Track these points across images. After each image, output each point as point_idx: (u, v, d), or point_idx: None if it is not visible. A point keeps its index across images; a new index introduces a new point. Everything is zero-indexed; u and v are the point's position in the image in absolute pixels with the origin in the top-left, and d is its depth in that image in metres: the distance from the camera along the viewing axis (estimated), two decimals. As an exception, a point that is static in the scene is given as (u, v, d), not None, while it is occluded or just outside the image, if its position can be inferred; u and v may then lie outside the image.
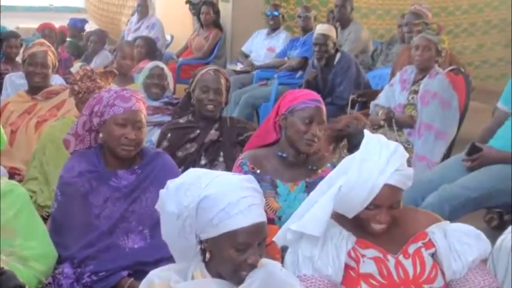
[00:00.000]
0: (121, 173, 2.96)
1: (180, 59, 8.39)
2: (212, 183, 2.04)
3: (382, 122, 4.79)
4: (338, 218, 2.40)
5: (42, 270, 2.75)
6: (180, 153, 3.78)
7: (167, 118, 4.51)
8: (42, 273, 2.76)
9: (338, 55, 6.16)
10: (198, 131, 3.83)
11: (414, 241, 2.38)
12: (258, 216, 2.03)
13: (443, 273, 2.37)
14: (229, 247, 2.01)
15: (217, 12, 8.45)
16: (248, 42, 8.08)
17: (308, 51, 6.94)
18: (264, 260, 2.08)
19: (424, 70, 4.82)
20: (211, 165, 3.70)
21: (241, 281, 2.02)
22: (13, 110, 4.62)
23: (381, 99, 5.10)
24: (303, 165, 3.05)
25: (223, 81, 3.86)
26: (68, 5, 12.56)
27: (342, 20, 7.43)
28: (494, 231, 4.47)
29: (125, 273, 2.81)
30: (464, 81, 4.92)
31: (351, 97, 5.92)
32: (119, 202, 2.92)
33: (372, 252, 2.33)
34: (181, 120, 3.95)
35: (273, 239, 2.40)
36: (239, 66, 7.74)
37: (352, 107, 5.93)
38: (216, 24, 8.43)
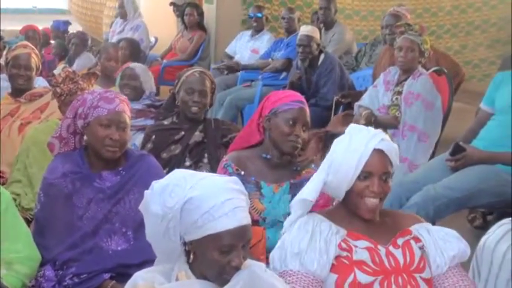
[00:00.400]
0: (105, 174, 2.95)
1: (164, 60, 8.40)
2: (197, 185, 2.04)
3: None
4: (327, 213, 2.43)
5: (27, 273, 2.75)
6: (164, 155, 3.77)
7: (150, 122, 4.51)
8: (27, 276, 2.75)
9: (322, 56, 6.17)
10: (183, 133, 3.83)
11: (402, 235, 2.42)
12: (242, 218, 2.03)
13: (430, 266, 2.40)
14: (213, 249, 2.00)
15: (201, 14, 8.45)
16: (232, 44, 8.09)
17: (292, 53, 6.95)
18: (249, 261, 2.08)
19: (407, 71, 4.84)
20: (195, 166, 3.70)
21: (225, 282, 2.02)
22: (-4, 112, 4.60)
23: (364, 100, 5.12)
24: (287, 166, 3.06)
25: (208, 83, 3.85)
26: (51, 6, 12.51)
27: (326, 21, 7.44)
28: (477, 231, 4.51)
29: (106, 275, 2.80)
30: (447, 81, 4.96)
31: (335, 98, 5.94)
32: (103, 203, 2.91)
33: (363, 243, 2.36)
34: (165, 122, 3.94)
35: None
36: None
37: (337, 108, 5.95)
38: (200, 25, 8.44)
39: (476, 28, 9.67)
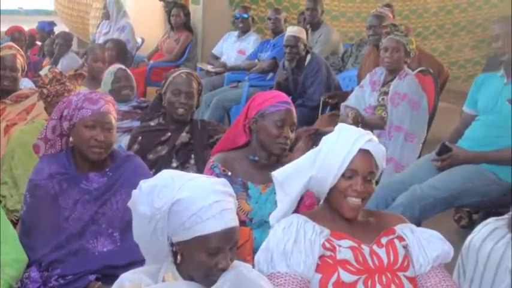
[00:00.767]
0: (92, 176, 2.95)
1: (151, 61, 8.39)
2: (185, 186, 2.04)
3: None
4: (311, 214, 2.45)
5: (14, 275, 2.74)
6: (151, 156, 3.77)
7: (137, 123, 4.49)
8: (14, 279, 2.74)
9: (308, 57, 6.18)
10: (169, 134, 3.83)
11: (386, 234, 2.43)
12: (230, 221, 2.03)
13: (413, 266, 2.41)
14: (200, 251, 2.01)
15: (187, 15, 8.45)
16: (219, 45, 8.09)
17: (278, 53, 6.96)
18: (235, 262, 2.08)
19: (393, 71, 4.86)
20: (182, 167, 3.69)
21: (211, 284, 2.02)
22: (-19, 114, 4.57)
23: (351, 101, 5.13)
24: (273, 167, 3.06)
25: (195, 84, 3.85)
26: (37, 7, 12.47)
27: (313, 22, 7.46)
28: (463, 230, 4.54)
29: (92, 277, 2.79)
30: (433, 82, 4.98)
31: (322, 99, 5.96)
32: (89, 205, 2.90)
33: (346, 242, 2.37)
34: (151, 123, 3.94)
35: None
36: (210, 67, 7.74)
37: (323, 109, 5.97)
38: (187, 26, 8.44)
39: (461, 29, 9.71)
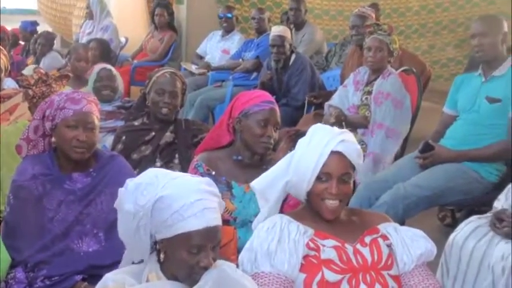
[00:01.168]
0: (76, 176, 2.94)
1: (135, 61, 8.37)
2: (169, 184, 2.05)
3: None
4: (295, 214, 2.46)
5: (-4, 276, 2.73)
6: (135, 156, 3.77)
7: (121, 123, 4.48)
8: (-4, 279, 2.73)
9: (293, 56, 6.19)
10: (153, 133, 3.83)
11: (369, 233, 2.44)
12: (212, 219, 2.04)
13: (397, 264, 2.42)
14: (182, 249, 2.01)
15: (171, 14, 8.43)
16: (203, 44, 8.08)
17: (262, 53, 6.97)
18: (219, 261, 2.09)
19: (377, 71, 4.86)
20: (166, 167, 3.68)
21: (194, 283, 2.03)
22: (-37, 114, 4.54)
23: (334, 100, 5.14)
24: (257, 166, 3.07)
25: (179, 84, 3.85)
26: (21, 7, 12.39)
27: (297, 22, 7.47)
28: (446, 229, 4.56)
29: (78, 277, 2.79)
30: (416, 81, 5.00)
31: (307, 98, 5.97)
32: (74, 205, 2.89)
33: (330, 242, 2.38)
34: (136, 123, 3.93)
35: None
36: (194, 67, 7.73)
37: (308, 108, 5.98)
38: (171, 26, 8.42)
39: (444, 28, 9.77)
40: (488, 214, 3.17)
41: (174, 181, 2.06)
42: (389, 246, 2.43)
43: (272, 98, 3.12)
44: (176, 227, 2.00)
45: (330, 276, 2.30)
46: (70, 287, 2.78)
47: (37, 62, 7.59)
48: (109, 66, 5.20)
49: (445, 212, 4.86)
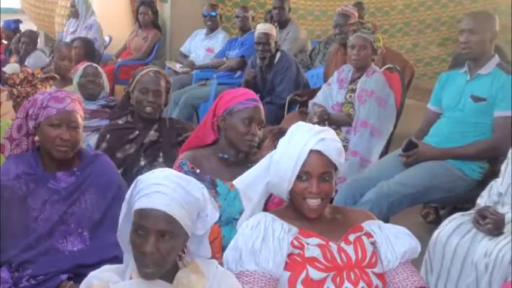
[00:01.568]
0: (60, 175, 2.93)
1: (119, 59, 8.35)
2: (153, 172, 2.06)
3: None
4: (279, 212, 2.46)
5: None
6: (119, 154, 3.76)
7: (105, 122, 4.46)
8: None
9: (278, 54, 6.20)
10: (137, 132, 3.82)
11: (353, 231, 2.44)
12: (160, 203, 1.97)
13: (382, 262, 2.43)
14: (132, 230, 2.01)
15: (155, 13, 8.41)
16: (187, 43, 8.08)
17: (246, 51, 6.97)
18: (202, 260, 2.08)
19: (361, 69, 4.88)
20: (150, 166, 3.68)
21: (145, 276, 2.00)
22: None
23: (319, 98, 5.15)
24: (242, 164, 3.07)
25: (163, 83, 3.84)
26: (4, 6, 12.31)
27: (280, 20, 7.48)
28: (430, 226, 4.59)
29: (64, 276, 2.77)
30: (400, 79, 5.02)
31: (290, 96, 5.97)
32: (58, 204, 2.88)
33: (314, 240, 2.38)
34: (120, 121, 3.92)
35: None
36: (178, 66, 7.72)
37: (293, 106, 5.98)
38: (155, 24, 8.41)
39: (427, 26, 9.81)
40: (472, 211, 3.19)
41: (159, 171, 2.08)
42: (373, 244, 2.43)
43: (256, 96, 3.13)
44: (134, 207, 2.01)
45: (314, 274, 2.31)
46: (55, 286, 2.76)
47: (21, 61, 7.55)
48: (95, 64, 5.18)
49: (428, 209, 4.89)
